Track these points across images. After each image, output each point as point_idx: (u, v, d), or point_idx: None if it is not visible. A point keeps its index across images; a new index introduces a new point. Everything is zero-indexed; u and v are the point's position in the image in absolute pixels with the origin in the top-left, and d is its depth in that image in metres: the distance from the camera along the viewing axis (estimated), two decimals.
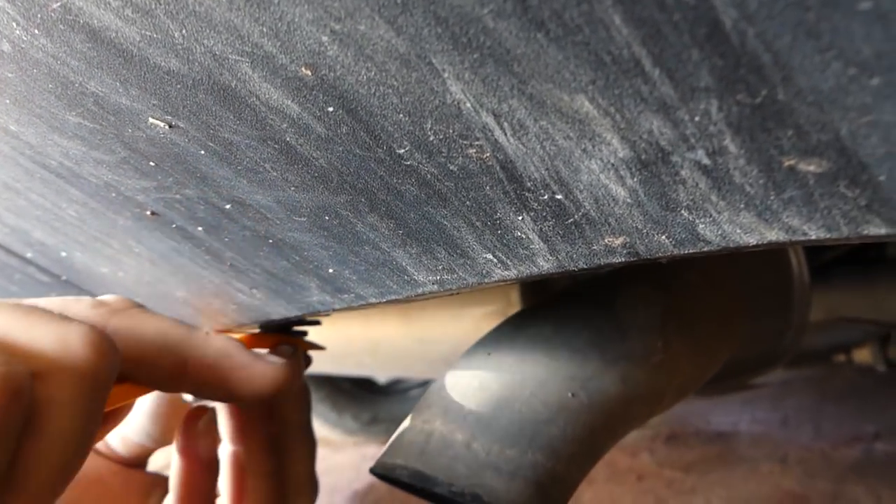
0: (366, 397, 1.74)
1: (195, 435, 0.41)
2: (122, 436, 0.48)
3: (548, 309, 0.46)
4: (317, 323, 0.51)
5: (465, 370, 0.43)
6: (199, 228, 0.33)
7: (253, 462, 0.42)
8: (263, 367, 0.34)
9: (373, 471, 0.41)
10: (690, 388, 0.50)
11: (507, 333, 0.45)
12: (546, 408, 0.39)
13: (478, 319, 0.83)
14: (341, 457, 1.82)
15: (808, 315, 0.91)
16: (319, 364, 1.20)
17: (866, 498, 1.30)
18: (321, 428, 1.74)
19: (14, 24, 0.24)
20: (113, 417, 0.38)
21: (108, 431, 0.39)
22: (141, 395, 0.34)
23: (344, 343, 1.07)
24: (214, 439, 0.42)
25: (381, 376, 1.66)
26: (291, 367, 0.35)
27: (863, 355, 1.20)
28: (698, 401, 1.99)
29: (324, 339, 1.09)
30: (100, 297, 0.34)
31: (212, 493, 0.42)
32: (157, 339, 0.32)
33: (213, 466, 0.42)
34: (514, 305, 0.81)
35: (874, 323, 1.13)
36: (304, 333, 0.52)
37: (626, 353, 0.43)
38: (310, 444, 0.44)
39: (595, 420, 0.40)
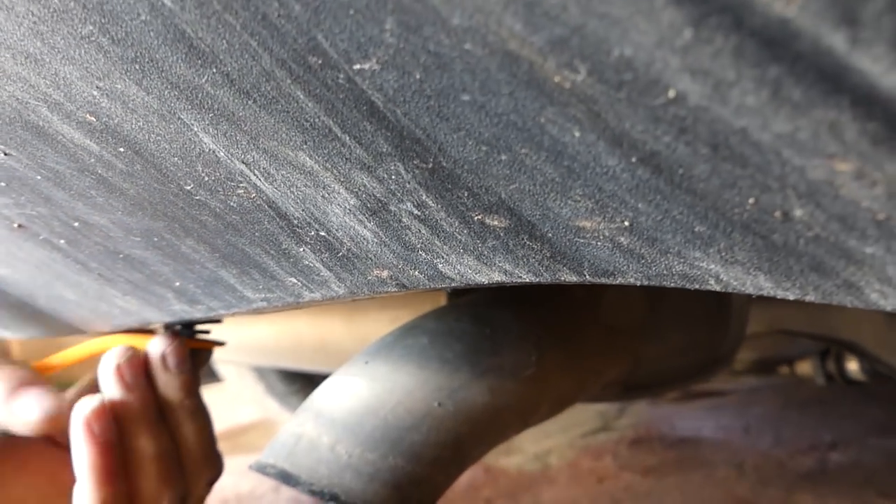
0: None
1: (88, 420, 0.43)
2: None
3: (429, 321, 0.49)
4: (218, 321, 0.53)
5: (343, 377, 0.45)
6: (62, 241, 0.35)
7: (140, 447, 0.44)
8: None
9: (249, 467, 0.44)
10: (571, 398, 0.52)
11: (387, 344, 0.47)
12: (410, 415, 0.42)
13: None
14: None
15: (745, 327, 0.93)
16: (279, 360, 1.23)
17: None
18: None
19: None
20: None
21: None
22: None
23: (295, 340, 1.10)
24: (108, 421, 0.44)
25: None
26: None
27: (804, 368, 1.23)
28: (667, 405, 2.02)
29: (277, 336, 1.12)
30: None
31: (120, 475, 0.44)
32: None
33: (114, 448, 0.44)
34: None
35: (812, 336, 1.15)
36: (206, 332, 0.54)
37: (496, 365, 0.45)
38: (198, 421, 0.46)
39: (461, 428, 0.43)
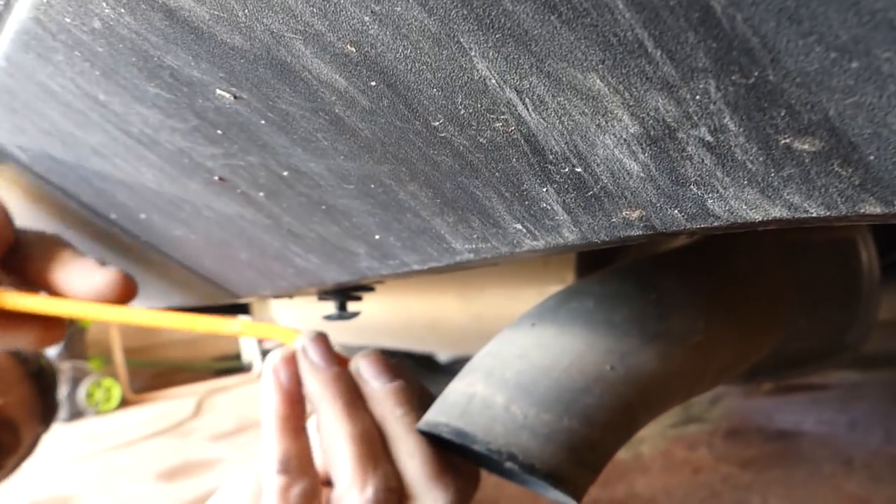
0: (425, 375, 1.78)
1: (275, 368, 0.43)
2: None
3: (592, 285, 0.48)
4: (371, 288, 0.54)
5: (509, 339, 0.45)
6: (261, 194, 0.36)
7: (330, 423, 0.42)
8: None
9: (418, 428, 0.43)
10: (731, 371, 0.51)
11: (551, 307, 0.47)
12: (583, 377, 0.41)
13: (533, 299, 0.85)
14: None
15: (876, 313, 0.89)
16: (383, 339, 1.25)
17: None
18: None
19: (104, 4, 0.27)
20: None
21: None
22: None
23: (405, 319, 1.11)
24: (295, 371, 0.43)
25: (442, 352, 1.70)
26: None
27: None
28: (762, 398, 1.96)
29: (386, 314, 1.13)
30: None
31: (304, 432, 0.43)
32: None
33: (300, 401, 0.43)
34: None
35: None
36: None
37: (665, 331, 0.44)
38: (413, 440, 0.43)
39: (631, 393, 0.42)
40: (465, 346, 1.03)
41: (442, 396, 0.43)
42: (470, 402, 0.41)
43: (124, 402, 2.81)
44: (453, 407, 0.41)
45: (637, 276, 0.47)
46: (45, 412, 1.07)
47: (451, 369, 1.86)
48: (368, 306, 1.11)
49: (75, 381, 2.67)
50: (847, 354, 0.92)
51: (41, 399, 1.04)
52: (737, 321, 0.49)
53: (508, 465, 0.38)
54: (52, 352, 2.62)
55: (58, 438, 2.48)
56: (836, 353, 0.92)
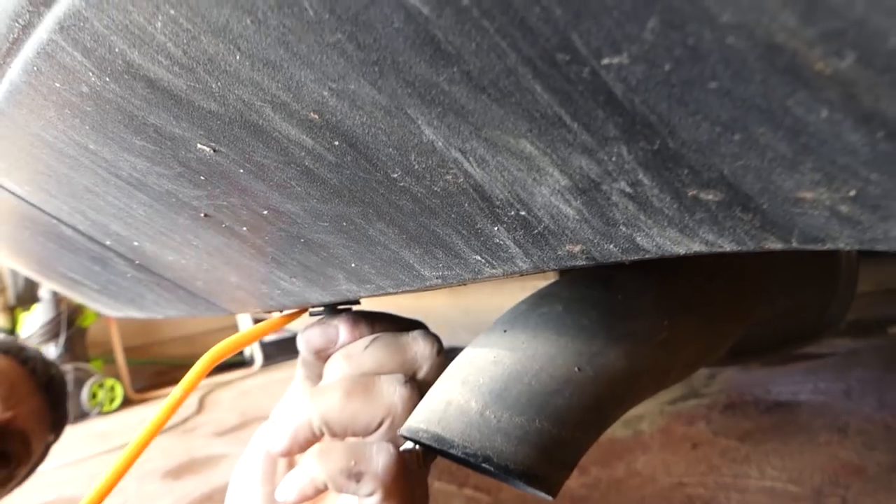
0: None
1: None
2: None
3: (561, 289, 0.50)
4: (356, 302, 0.57)
5: (483, 346, 0.48)
6: (244, 228, 0.38)
7: None
8: None
9: (400, 433, 0.47)
10: (699, 363, 0.54)
11: (522, 312, 0.49)
12: (553, 380, 0.44)
13: (518, 292, 0.88)
14: None
15: (855, 287, 0.92)
16: None
17: None
18: None
19: (90, 73, 0.30)
20: None
21: None
22: None
23: (395, 311, 1.14)
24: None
25: None
26: None
27: None
28: (758, 370, 1.99)
29: (377, 306, 1.16)
30: None
31: None
32: None
33: None
34: (551, 279, 0.85)
35: None
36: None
37: (631, 331, 0.47)
38: None
39: (601, 392, 0.45)
40: (455, 338, 1.06)
41: (423, 402, 0.47)
42: (447, 409, 0.44)
43: (127, 402, 2.84)
44: (432, 413, 0.44)
45: (604, 278, 0.50)
46: (55, 422, 1.10)
47: (448, 356, 1.89)
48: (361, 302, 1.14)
49: (78, 383, 2.70)
50: (829, 329, 0.95)
51: (51, 410, 1.07)
52: (701, 315, 0.52)
53: (485, 466, 0.41)
54: (52, 354, 2.64)
55: (63, 440, 2.51)
56: (817, 331, 0.95)
